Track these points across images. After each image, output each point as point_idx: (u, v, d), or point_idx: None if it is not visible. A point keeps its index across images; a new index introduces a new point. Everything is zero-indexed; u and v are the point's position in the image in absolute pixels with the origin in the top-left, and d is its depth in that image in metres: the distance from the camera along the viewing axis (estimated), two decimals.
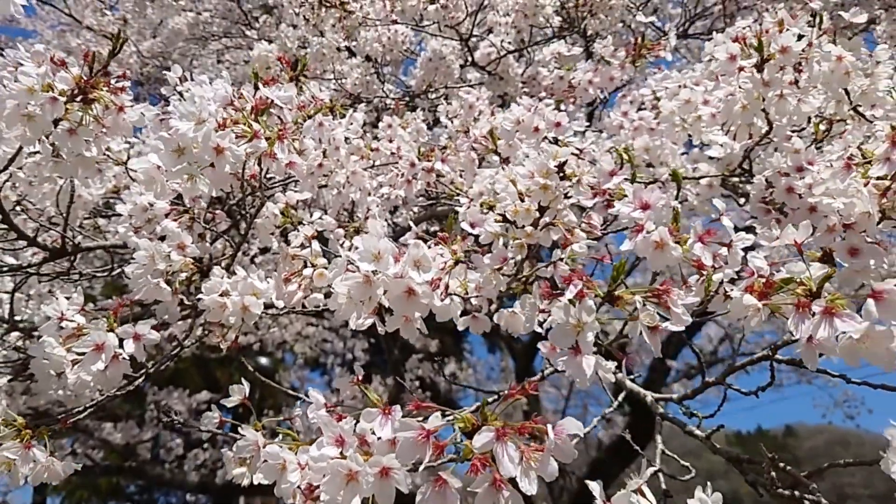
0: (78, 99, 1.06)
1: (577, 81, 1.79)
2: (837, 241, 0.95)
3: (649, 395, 1.18)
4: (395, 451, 0.72)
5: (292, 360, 11.08)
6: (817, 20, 1.44)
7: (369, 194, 1.72)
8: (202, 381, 8.98)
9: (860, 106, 1.40)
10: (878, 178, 0.93)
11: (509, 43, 2.63)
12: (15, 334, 2.17)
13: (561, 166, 0.92)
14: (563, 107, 2.13)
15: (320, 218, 1.45)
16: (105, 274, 1.80)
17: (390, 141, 1.67)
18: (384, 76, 3.14)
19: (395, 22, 2.38)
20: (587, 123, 1.89)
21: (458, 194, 1.72)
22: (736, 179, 1.67)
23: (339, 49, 2.44)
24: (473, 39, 2.82)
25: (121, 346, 0.96)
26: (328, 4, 2.22)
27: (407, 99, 2.86)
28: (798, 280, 0.82)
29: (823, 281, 0.78)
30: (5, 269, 1.48)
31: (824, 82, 1.37)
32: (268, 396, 10.57)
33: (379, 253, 0.86)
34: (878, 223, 0.99)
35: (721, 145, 1.32)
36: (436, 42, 2.56)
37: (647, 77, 2.34)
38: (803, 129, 1.61)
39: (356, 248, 0.88)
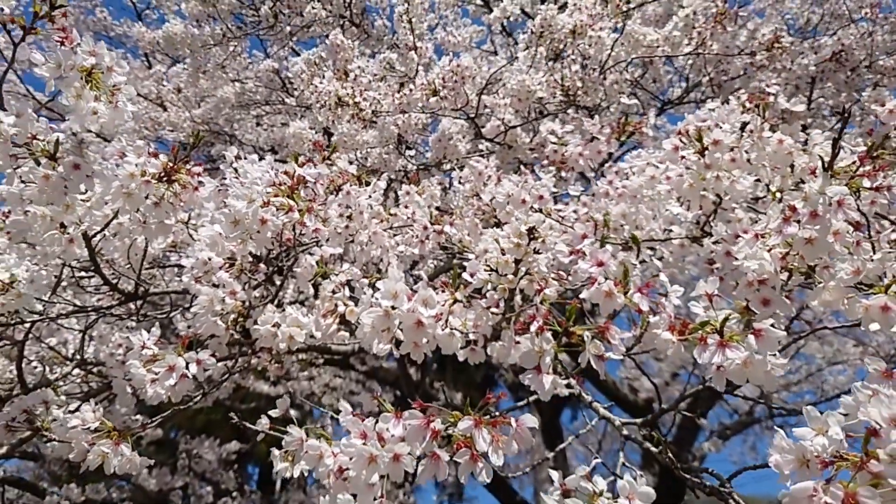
0: (163, 179, 1.37)
1: (569, 154, 2.08)
2: (754, 293, 1.20)
3: (617, 420, 1.41)
4: (404, 443, 0.98)
5: (319, 414, 11.24)
6: (761, 110, 1.72)
7: (388, 251, 2.01)
8: (231, 431, 9.21)
9: (803, 179, 1.66)
10: (782, 245, 1.18)
11: (514, 117, 2.95)
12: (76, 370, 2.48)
13: (530, 230, 1.20)
14: (563, 174, 2.43)
15: (349, 268, 1.74)
16: (164, 315, 2.10)
17: (406, 207, 1.97)
18: (404, 148, 3.49)
19: (403, 112, 2.73)
20: (582, 189, 2.17)
21: (464, 251, 2.00)
22: (706, 240, 1.92)
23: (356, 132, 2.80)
24: (482, 112, 3.15)
25: (187, 367, 1.25)
26: (343, 104, 2.59)
27: (422, 169, 3.19)
28: (711, 322, 1.07)
29: (723, 323, 1.03)
30: (89, 308, 1.79)
31: (772, 161, 1.64)
32: None
33: (396, 293, 1.14)
34: (788, 279, 1.23)
35: (679, 213, 1.58)
36: (447, 121, 2.90)
37: (641, 146, 2.63)
38: (764, 198, 1.88)
39: (378, 289, 1.16)
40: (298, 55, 5.67)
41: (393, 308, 1.15)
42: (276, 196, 1.41)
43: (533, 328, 1.05)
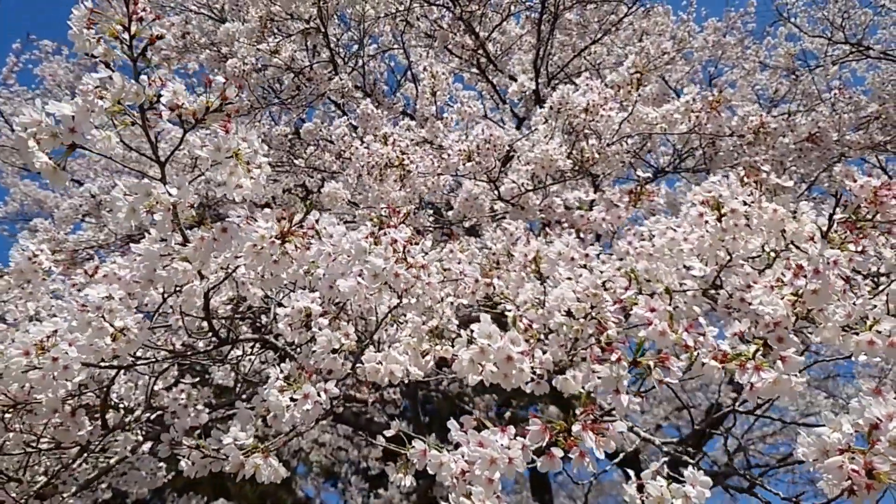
0: (279, 241, 1.66)
1: (593, 218, 2.44)
2: (770, 333, 1.53)
3: (657, 440, 1.71)
4: (515, 449, 1.27)
5: (305, 470, 11.15)
6: (759, 185, 2.10)
7: (440, 301, 2.31)
8: (214, 491, 9.17)
9: (793, 242, 2.03)
10: (791, 295, 1.52)
11: (528, 181, 3.32)
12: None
13: (604, 283, 1.52)
14: (581, 235, 2.78)
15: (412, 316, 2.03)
16: (235, 362, 2.35)
17: (458, 263, 2.28)
18: (424, 206, 3.83)
19: (440, 174, 3.08)
20: (600, 248, 2.52)
21: (506, 301, 2.31)
22: (713, 292, 2.27)
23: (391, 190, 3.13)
24: (500, 176, 3.51)
25: (318, 395, 1.52)
26: (392, 165, 2.94)
27: (440, 227, 3.52)
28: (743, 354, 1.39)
29: (754, 353, 1.35)
30: (188, 353, 2.04)
31: (767, 226, 2.00)
32: None
33: (489, 334, 1.44)
34: (795, 322, 1.57)
35: (698, 269, 1.92)
36: (470, 183, 3.25)
37: (653, 212, 3.02)
38: (759, 255, 2.24)
39: (474, 331, 1.46)
40: (304, 121, 6.05)
41: (488, 346, 1.45)
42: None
43: (612, 358, 1.36)
